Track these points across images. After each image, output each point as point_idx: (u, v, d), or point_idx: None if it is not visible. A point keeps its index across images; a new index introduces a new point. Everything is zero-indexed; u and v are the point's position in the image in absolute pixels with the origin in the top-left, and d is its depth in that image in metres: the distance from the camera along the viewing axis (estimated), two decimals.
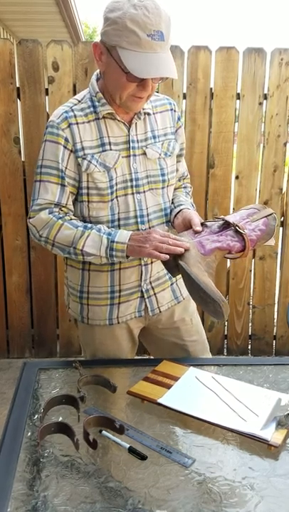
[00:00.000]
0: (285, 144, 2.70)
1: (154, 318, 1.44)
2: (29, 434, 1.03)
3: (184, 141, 1.46)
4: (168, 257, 1.19)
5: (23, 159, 2.64)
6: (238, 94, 2.63)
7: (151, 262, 1.36)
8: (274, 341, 3.00)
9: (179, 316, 1.47)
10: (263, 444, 0.99)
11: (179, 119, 1.42)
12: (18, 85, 2.53)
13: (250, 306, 2.92)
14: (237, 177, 2.74)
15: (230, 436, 1.02)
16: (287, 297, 2.91)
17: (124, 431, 1.01)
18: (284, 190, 2.78)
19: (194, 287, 1.13)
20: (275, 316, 2.98)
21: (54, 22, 5.60)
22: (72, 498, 0.86)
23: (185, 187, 1.53)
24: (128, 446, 0.97)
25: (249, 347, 3.00)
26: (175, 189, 1.48)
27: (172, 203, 1.42)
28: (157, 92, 1.44)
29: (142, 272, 1.36)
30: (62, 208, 1.29)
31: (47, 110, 2.58)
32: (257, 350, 2.99)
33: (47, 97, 2.55)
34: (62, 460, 0.95)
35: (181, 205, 1.38)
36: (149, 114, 1.34)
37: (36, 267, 2.78)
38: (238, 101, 2.64)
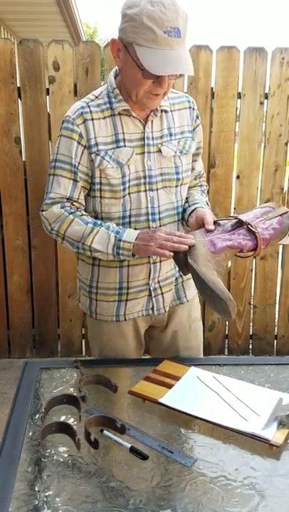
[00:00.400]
0: (286, 144, 2.70)
1: (159, 317, 1.44)
2: (30, 433, 1.03)
3: (201, 139, 1.45)
4: (172, 254, 1.20)
5: (24, 159, 2.64)
6: (239, 94, 2.63)
7: (160, 261, 1.36)
8: (275, 341, 3.00)
9: (178, 319, 1.47)
10: (265, 443, 0.99)
11: (197, 117, 1.41)
12: (18, 85, 2.53)
13: (251, 306, 2.92)
14: (238, 176, 2.74)
15: (232, 436, 1.02)
16: (288, 297, 2.91)
17: (126, 430, 1.01)
18: (285, 189, 2.78)
19: (203, 285, 1.13)
20: (276, 316, 2.98)
21: (55, 22, 5.60)
22: (74, 497, 0.86)
23: (201, 185, 1.52)
24: (129, 445, 0.97)
25: (250, 347, 2.99)
26: (191, 187, 1.47)
27: (187, 201, 1.42)
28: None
29: (150, 270, 1.36)
30: (74, 203, 1.31)
31: (48, 110, 2.58)
32: (258, 349, 2.98)
33: (48, 97, 2.55)
34: (63, 460, 0.95)
35: (196, 203, 1.38)
36: (166, 111, 1.33)
37: (37, 267, 2.78)
38: (239, 100, 2.64)
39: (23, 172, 2.65)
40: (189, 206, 1.39)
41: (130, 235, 1.24)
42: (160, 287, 1.39)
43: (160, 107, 1.30)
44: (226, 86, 2.60)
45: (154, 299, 1.39)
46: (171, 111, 1.35)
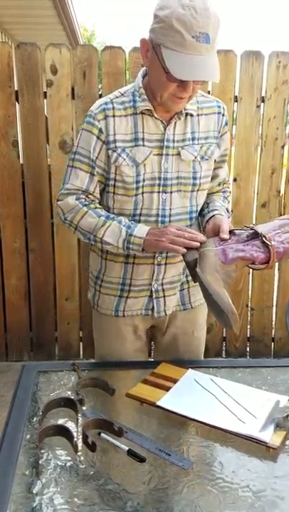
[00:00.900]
0: (282, 147, 2.71)
1: (160, 320, 1.44)
2: (28, 436, 1.03)
3: (227, 147, 1.44)
4: (185, 250, 1.20)
5: (21, 162, 2.65)
6: (236, 97, 2.64)
7: (166, 263, 1.36)
8: (272, 343, 3.00)
9: (180, 324, 1.46)
10: (262, 445, 0.99)
11: (226, 123, 1.39)
12: (16, 88, 2.54)
13: (249, 308, 2.93)
14: (235, 179, 2.75)
15: (229, 439, 1.02)
16: (286, 299, 2.91)
17: (123, 433, 1.01)
18: (282, 192, 2.79)
19: (207, 295, 1.14)
20: (274, 318, 2.98)
21: (52, 25, 5.61)
22: (71, 500, 0.86)
23: (224, 191, 1.51)
24: (127, 448, 0.97)
25: (248, 349, 3.00)
26: (213, 193, 1.47)
27: (207, 207, 1.40)
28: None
29: (154, 271, 1.36)
30: (89, 196, 1.33)
31: (45, 113, 2.59)
32: (255, 352, 2.99)
33: (45, 100, 2.56)
34: (61, 463, 0.95)
35: (215, 210, 1.36)
36: (192, 115, 1.32)
37: (35, 270, 2.78)
38: (235, 104, 2.65)
39: (21, 175, 2.65)
40: (208, 212, 1.37)
41: (141, 230, 1.25)
42: (163, 290, 1.39)
43: (185, 110, 1.29)
44: (223, 89, 2.61)
45: (154, 300, 1.39)
46: (197, 115, 1.33)
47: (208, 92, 2.61)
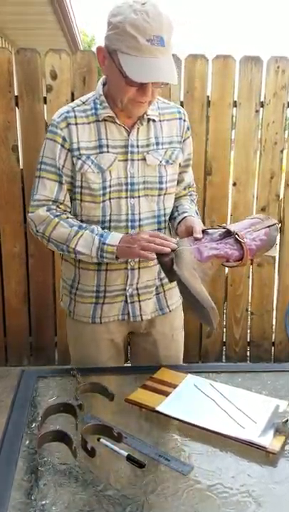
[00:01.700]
0: (281, 151, 2.72)
1: (137, 324, 1.44)
2: (27, 442, 1.03)
3: (191, 151, 1.45)
4: (155, 257, 1.21)
5: (21, 167, 2.65)
6: (235, 102, 2.65)
7: (139, 268, 1.36)
8: (273, 348, 2.99)
9: (160, 328, 1.47)
10: (261, 451, 0.99)
11: (188, 128, 1.41)
12: (16, 94, 2.55)
13: (249, 313, 2.92)
14: (234, 184, 2.76)
15: (229, 444, 1.02)
16: (286, 303, 2.91)
17: (123, 439, 1.01)
18: (281, 196, 2.80)
19: (186, 292, 1.14)
20: (274, 323, 2.98)
21: (52, 31, 5.64)
22: (70, 506, 0.85)
23: (190, 195, 1.53)
24: (126, 454, 0.97)
25: (248, 354, 2.99)
26: (180, 197, 1.48)
27: (177, 210, 1.42)
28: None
29: (128, 276, 1.36)
30: (60, 206, 1.33)
31: (45, 118, 2.60)
32: (255, 356, 2.98)
33: (45, 106, 2.57)
34: (60, 468, 0.95)
35: (185, 212, 1.38)
36: (154, 120, 1.34)
37: (34, 274, 2.78)
38: (234, 109, 2.66)
39: (21, 180, 2.66)
40: (179, 215, 1.39)
41: (114, 238, 1.26)
42: (138, 294, 1.39)
43: (147, 115, 1.31)
44: (222, 95, 2.63)
45: (130, 305, 1.39)
46: (160, 120, 1.35)
47: (208, 98, 2.63)
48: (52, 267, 2.78)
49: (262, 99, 2.66)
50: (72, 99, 2.55)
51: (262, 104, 2.66)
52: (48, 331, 2.87)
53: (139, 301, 1.40)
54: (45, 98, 2.56)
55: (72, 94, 2.55)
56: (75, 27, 5.99)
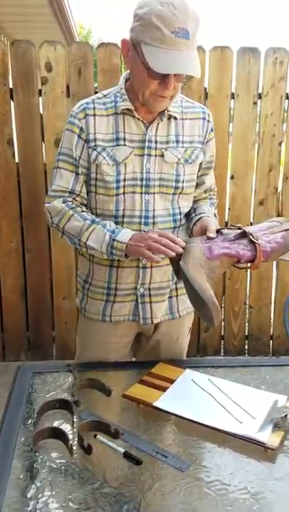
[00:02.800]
0: (280, 144, 2.70)
1: (146, 327, 1.42)
2: (23, 439, 1.01)
3: (213, 153, 1.42)
4: (159, 260, 1.19)
5: (17, 161, 2.62)
6: (233, 94, 2.63)
7: (151, 266, 1.33)
8: (271, 341, 2.99)
9: (166, 331, 1.44)
10: (260, 446, 0.98)
11: (212, 130, 1.39)
12: (11, 86, 2.52)
13: (247, 306, 2.92)
14: (232, 177, 2.74)
15: (227, 440, 1.01)
16: (284, 297, 2.90)
17: (120, 435, 1.00)
18: (279, 189, 2.78)
19: (189, 287, 1.12)
20: (272, 316, 2.97)
21: (48, 24, 5.59)
22: (67, 504, 0.84)
23: (211, 198, 1.50)
24: (123, 450, 0.96)
25: (246, 347, 2.99)
26: (199, 200, 1.46)
27: (194, 211, 1.39)
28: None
29: (139, 275, 1.34)
30: (76, 198, 1.32)
31: (40, 111, 2.57)
32: (254, 350, 2.98)
33: (40, 98, 2.54)
34: (56, 466, 0.93)
35: (203, 213, 1.35)
36: (175, 118, 1.31)
37: (31, 270, 2.77)
38: (232, 100, 2.64)
39: (16, 174, 2.63)
40: (196, 215, 1.36)
41: (125, 235, 1.23)
42: (150, 295, 1.36)
43: (168, 111, 1.29)
44: (220, 86, 2.60)
45: (140, 305, 1.36)
46: (182, 119, 1.33)
47: (205, 90, 2.60)
48: (49, 261, 2.76)
49: (260, 91, 2.63)
50: (68, 92, 2.52)
51: (260, 96, 2.64)
52: (45, 326, 2.86)
53: (151, 302, 1.37)
54: (40, 91, 2.53)
55: (68, 87, 2.52)
56: (71, 19, 5.94)
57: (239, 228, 1.21)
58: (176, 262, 1.18)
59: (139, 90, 1.21)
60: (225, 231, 1.23)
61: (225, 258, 1.16)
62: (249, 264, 1.18)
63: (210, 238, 1.20)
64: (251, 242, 1.18)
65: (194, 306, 1.16)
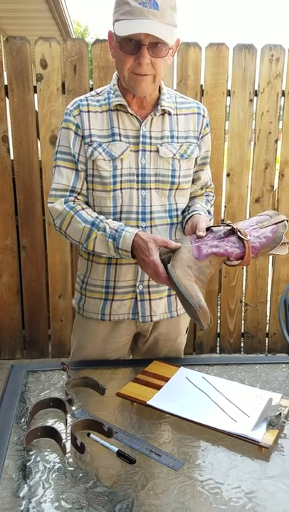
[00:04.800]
0: (276, 141, 2.69)
1: (146, 326, 1.41)
2: (15, 438, 1.01)
3: (209, 148, 1.41)
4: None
5: (12, 158, 2.61)
6: (229, 91, 2.62)
7: None
8: (266, 339, 2.99)
9: (166, 331, 1.44)
10: (254, 445, 0.97)
11: (207, 125, 1.38)
12: (6, 83, 2.50)
13: (243, 304, 2.91)
14: (228, 174, 2.73)
15: (221, 438, 1.00)
16: (280, 295, 2.90)
17: (113, 434, 0.99)
18: (275, 187, 2.77)
19: (177, 291, 1.11)
20: (268, 314, 2.97)
21: (44, 20, 5.56)
22: (60, 504, 0.84)
23: (207, 195, 1.49)
24: (116, 449, 0.95)
25: (242, 345, 2.99)
26: (196, 197, 1.45)
27: (188, 209, 1.39)
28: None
29: (138, 271, 1.33)
30: (78, 197, 1.31)
31: (36, 108, 2.55)
32: (250, 347, 2.98)
33: (35, 95, 2.52)
34: (49, 465, 0.93)
35: (195, 211, 1.35)
36: (170, 113, 1.31)
37: (27, 267, 2.76)
38: (228, 98, 2.63)
39: (11, 171, 2.62)
40: (188, 213, 1.35)
41: (125, 243, 1.21)
42: (149, 292, 1.35)
43: (162, 107, 1.28)
44: (216, 83, 2.59)
45: (139, 303, 1.36)
46: (176, 114, 1.32)
47: (201, 87, 2.59)
48: (44, 259, 2.75)
49: (256, 88, 2.62)
50: (63, 88, 2.51)
51: (256, 93, 2.63)
52: (41, 323, 2.85)
53: (150, 299, 1.36)
54: (35, 87, 2.51)
55: (63, 83, 2.51)
56: (66, 16, 5.90)
57: (228, 225, 1.20)
58: (165, 263, 1.16)
59: (120, 74, 1.23)
60: (215, 229, 1.22)
61: (214, 257, 1.15)
62: (239, 262, 1.17)
63: (199, 237, 1.19)
64: (239, 238, 1.17)
65: (184, 308, 1.15)
